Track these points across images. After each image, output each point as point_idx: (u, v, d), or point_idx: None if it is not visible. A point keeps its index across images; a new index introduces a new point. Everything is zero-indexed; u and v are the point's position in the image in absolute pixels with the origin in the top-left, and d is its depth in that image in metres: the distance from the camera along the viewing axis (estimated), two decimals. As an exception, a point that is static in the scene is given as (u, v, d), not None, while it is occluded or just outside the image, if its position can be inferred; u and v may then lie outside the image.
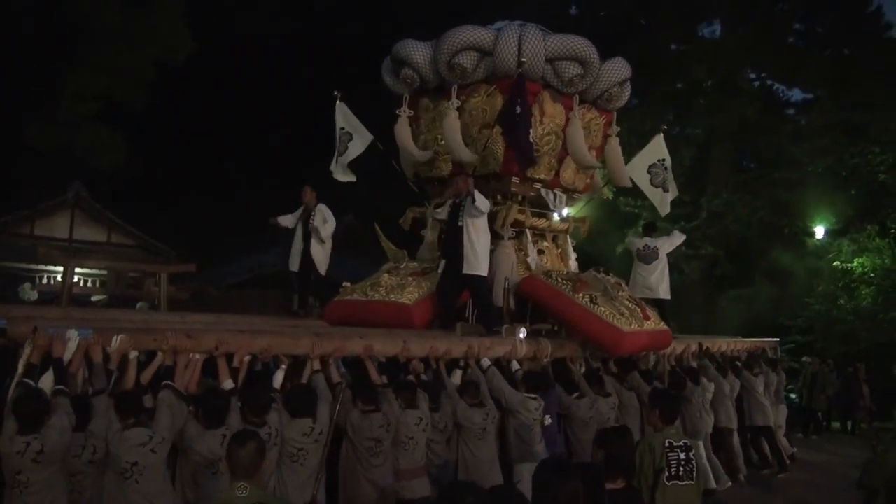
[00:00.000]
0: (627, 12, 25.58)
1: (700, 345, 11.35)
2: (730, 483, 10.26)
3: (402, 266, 9.84)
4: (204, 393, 5.31)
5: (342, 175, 11.00)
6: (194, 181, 27.90)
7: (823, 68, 23.00)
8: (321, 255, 10.66)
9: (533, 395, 7.26)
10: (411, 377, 6.72)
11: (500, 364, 7.81)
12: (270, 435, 5.16)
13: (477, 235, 8.74)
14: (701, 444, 9.48)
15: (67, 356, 5.02)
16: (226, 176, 27.96)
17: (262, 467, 3.80)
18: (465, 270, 8.63)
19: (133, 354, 5.31)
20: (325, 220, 10.62)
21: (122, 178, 22.66)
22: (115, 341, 5.13)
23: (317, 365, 6.11)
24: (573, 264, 11.01)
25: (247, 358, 5.87)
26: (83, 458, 4.65)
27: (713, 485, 9.73)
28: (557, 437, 7.77)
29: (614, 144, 11.20)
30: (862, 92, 21.25)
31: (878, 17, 23.56)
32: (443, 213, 9.45)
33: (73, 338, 5.06)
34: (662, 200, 11.61)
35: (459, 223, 8.77)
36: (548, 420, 7.50)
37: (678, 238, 12.14)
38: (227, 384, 5.49)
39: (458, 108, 10.02)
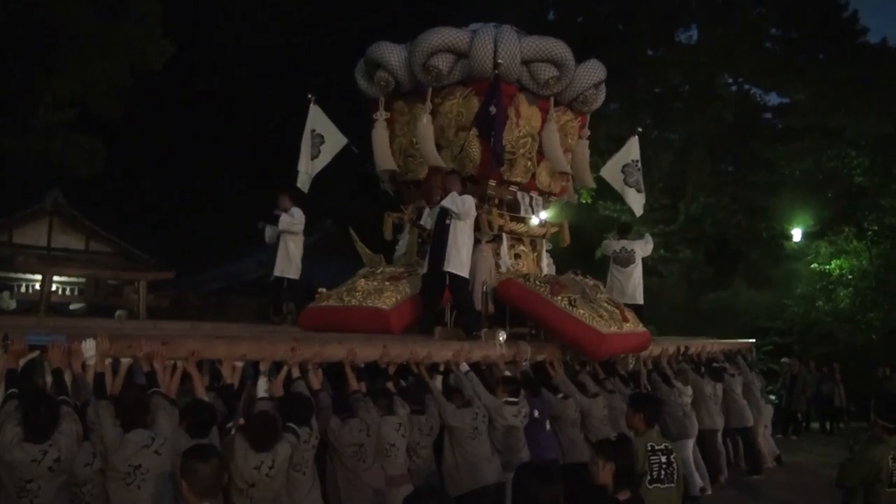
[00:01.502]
0: (605, 17, 25.72)
1: (678, 347, 11.38)
2: (709, 491, 10.27)
3: (378, 271, 9.80)
4: (189, 404, 5.24)
5: (306, 182, 10.93)
6: (173, 188, 27.84)
7: (800, 73, 23.19)
8: (290, 259, 10.69)
9: (513, 400, 7.13)
10: (389, 384, 6.67)
11: (480, 368, 7.80)
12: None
13: (463, 237, 8.71)
14: (687, 444, 9.51)
15: (90, 361, 5.01)
16: (204, 183, 27.87)
17: (223, 484, 3.58)
18: (446, 268, 8.57)
19: (126, 360, 5.27)
20: (291, 218, 10.66)
21: (101, 185, 22.52)
22: (86, 345, 5.06)
23: (296, 371, 6.06)
24: (549, 268, 11.01)
25: (239, 364, 5.80)
26: (94, 466, 4.55)
27: (697, 493, 9.74)
28: (553, 443, 7.75)
29: (583, 146, 11.26)
30: (837, 96, 21.42)
31: (854, 23, 23.78)
32: (429, 217, 9.22)
33: (90, 346, 5.03)
34: (636, 200, 11.74)
35: (447, 222, 8.67)
36: (546, 425, 7.55)
37: (651, 243, 12.22)
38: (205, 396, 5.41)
39: (434, 111, 10.00)
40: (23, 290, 20.26)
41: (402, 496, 5.91)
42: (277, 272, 10.81)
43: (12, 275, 20.13)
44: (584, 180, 11.59)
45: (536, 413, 7.45)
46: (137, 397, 4.83)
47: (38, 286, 18.99)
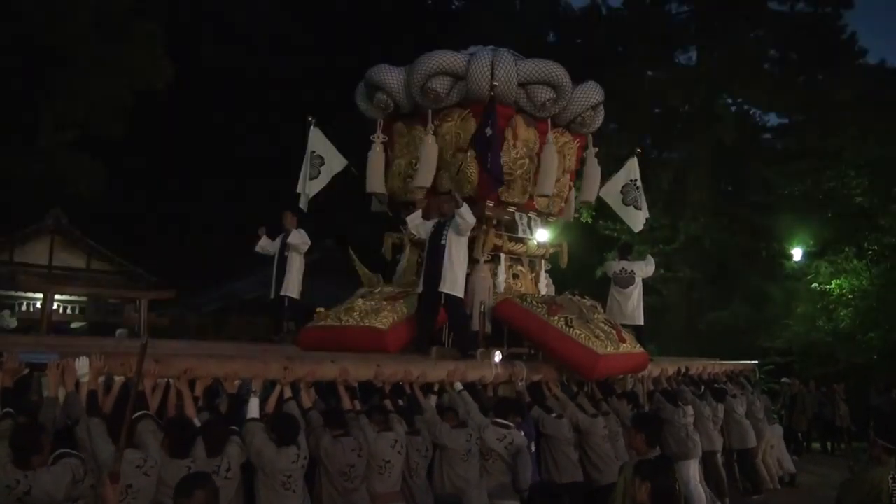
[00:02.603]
0: (604, 39, 25.89)
1: (679, 369, 11.38)
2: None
3: (376, 291, 9.83)
4: (171, 422, 5.26)
5: (305, 201, 11.00)
6: (173, 208, 27.91)
7: (799, 94, 23.31)
8: (295, 278, 10.79)
9: (503, 423, 7.06)
10: (386, 402, 6.69)
11: (475, 388, 7.81)
12: (222, 468, 5.09)
13: (458, 256, 8.76)
14: (689, 465, 9.48)
15: (83, 379, 5.02)
16: (205, 202, 27.94)
17: None
18: (442, 288, 8.61)
19: (119, 379, 5.30)
20: (301, 235, 10.87)
21: (102, 204, 22.61)
22: (80, 363, 5.09)
23: (288, 391, 6.08)
24: (548, 288, 11.04)
25: (237, 382, 5.84)
26: (85, 482, 4.50)
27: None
28: (533, 467, 7.73)
29: (593, 162, 11.34)
30: (837, 117, 21.51)
31: (852, 44, 23.96)
32: (423, 230, 9.27)
33: (83, 364, 5.05)
34: (635, 218, 11.82)
35: (443, 242, 8.73)
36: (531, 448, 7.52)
37: (653, 265, 12.25)
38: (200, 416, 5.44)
39: (433, 133, 10.08)
40: (24, 308, 20.30)
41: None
42: (279, 291, 10.90)
43: (13, 293, 20.18)
44: (588, 194, 11.58)
45: (522, 433, 7.46)
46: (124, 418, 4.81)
47: (39, 305, 19.08)
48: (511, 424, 7.10)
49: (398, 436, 6.20)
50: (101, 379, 5.22)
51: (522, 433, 7.22)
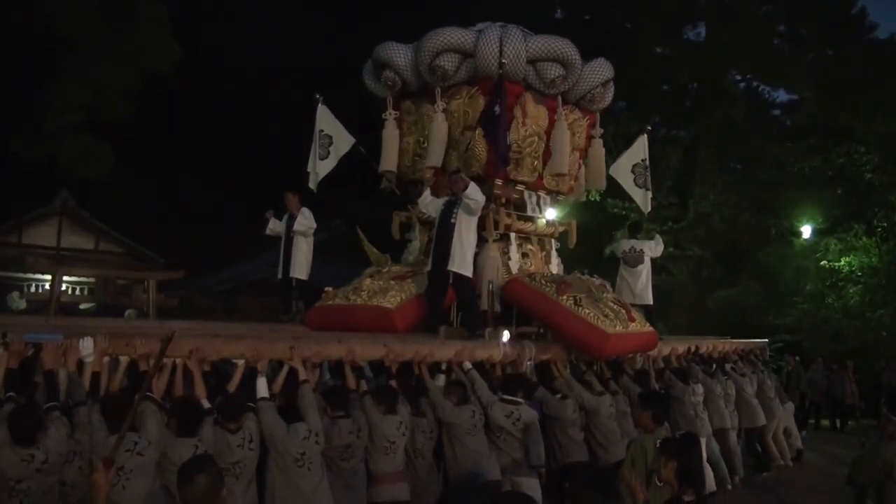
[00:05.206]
0: (612, 16, 25.68)
1: (689, 347, 11.35)
2: (729, 486, 10.24)
3: (385, 270, 9.81)
4: (178, 401, 5.28)
5: (315, 182, 10.95)
6: (181, 189, 27.90)
7: (808, 70, 23.11)
8: (302, 260, 10.77)
9: (511, 399, 7.06)
10: (392, 382, 6.68)
11: (483, 367, 7.80)
12: (245, 440, 5.19)
13: (467, 236, 8.70)
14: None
15: (87, 360, 5.05)
16: (213, 183, 27.93)
17: (221, 497, 3.40)
18: (450, 267, 8.57)
19: (124, 359, 5.32)
20: (305, 220, 10.79)
21: (110, 186, 22.59)
22: (83, 343, 5.09)
23: (302, 371, 6.06)
24: (558, 267, 11.00)
25: (241, 363, 5.85)
26: (73, 465, 4.63)
27: (713, 488, 9.74)
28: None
29: (598, 146, 11.21)
30: (846, 93, 21.34)
31: (863, 18, 23.71)
32: (433, 208, 9.16)
33: (87, 345, 5.08)
34: (645, 199, 11.76)
35: (452, 220, 8.67)
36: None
37: (661, 245, 12.21)
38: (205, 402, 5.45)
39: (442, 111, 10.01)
40: (33, 290, 20.33)
41: (395, 493, 6.01)
42: (287, 272, 10.89)
43: (22, 275, 20.22)
44: (596, 182, 11.49)
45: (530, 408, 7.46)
46: (122, 402, 4.83)
47: (47, 286, 19.08)
48: (520, 400, 7.12)
49: (403, 418, 6.21)
50: (106, 360, 5.22)
51: (530, 408, 7.25)
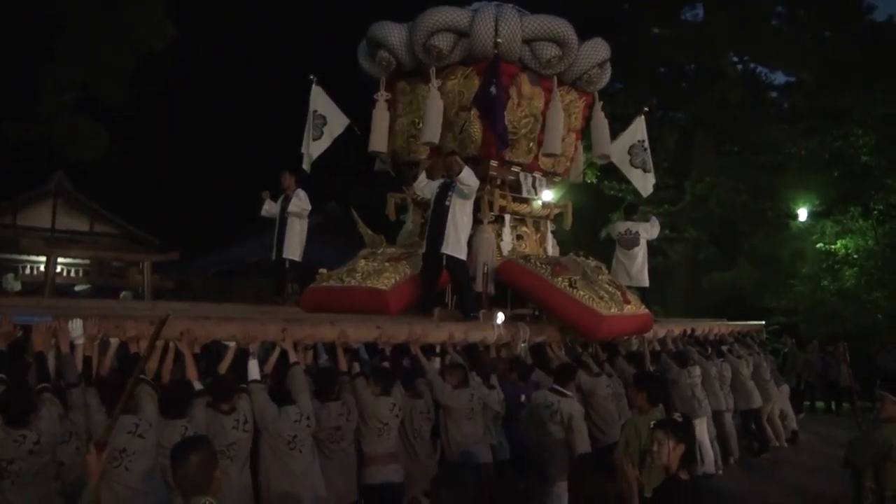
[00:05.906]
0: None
1: (684, 329, 11.35)
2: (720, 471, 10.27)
3: (379, 251, 9.77)
4: (167, 383, 5.25)
5: (308, 163, 10.91)
6: (177, 170, 27.80)
7: (806, 51, 22.98)
8: (295, 241, 10.74)
9: (560, 390, 7.16)
10: (385, 364, 6.66)
11: (477, 349, 7.77)
12: (240, 422, 5.16)
13: (462, 218, 8.66)
14: (696, 423, 9.47)
15: (77, 341, 5.00)
16: (208, 165, 27.83)
17: (215, 477, 3.41)
18: (444, 249, 8.54)
19: (115, 341, 5.28)
20: (300, 201, 10.77)
21: (104, 167, 22.52)
22: (73, 325, 5.04)
23: (292, 354, 6.04)
24: (554, 249, 10.95)
25: (232, 345, 5.83)
26: (70, 445, 4.59)
27: (711, 470, 9.77)
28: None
29: (600, 116, 11.12)
30: (844, 74, 21.24)
31: (860, 1, 23.49)
32: (429, 189, 9.13)
33: (77, 326, 5.02)
34: (643, 180, 11.67)
35: (447, 203, 8.64)
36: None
37: (657, 226, 12.15)
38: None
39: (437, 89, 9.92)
40: (27, 271, 20.30)
41: (388, 474, 6.01)
42: (280, 253, 10.85)
43: (17, 256, 20.16)
44: (603, 148, 11.34)
45: (523, 398, 7.47)
46: (121, 384, 4.75)
47: (42, 268, 19.04)
48: (568, 393, 7.19)
49: (396, 400, 6.19)
50: (96, 343, 5.18)
51: (523, 396, 7.25)
